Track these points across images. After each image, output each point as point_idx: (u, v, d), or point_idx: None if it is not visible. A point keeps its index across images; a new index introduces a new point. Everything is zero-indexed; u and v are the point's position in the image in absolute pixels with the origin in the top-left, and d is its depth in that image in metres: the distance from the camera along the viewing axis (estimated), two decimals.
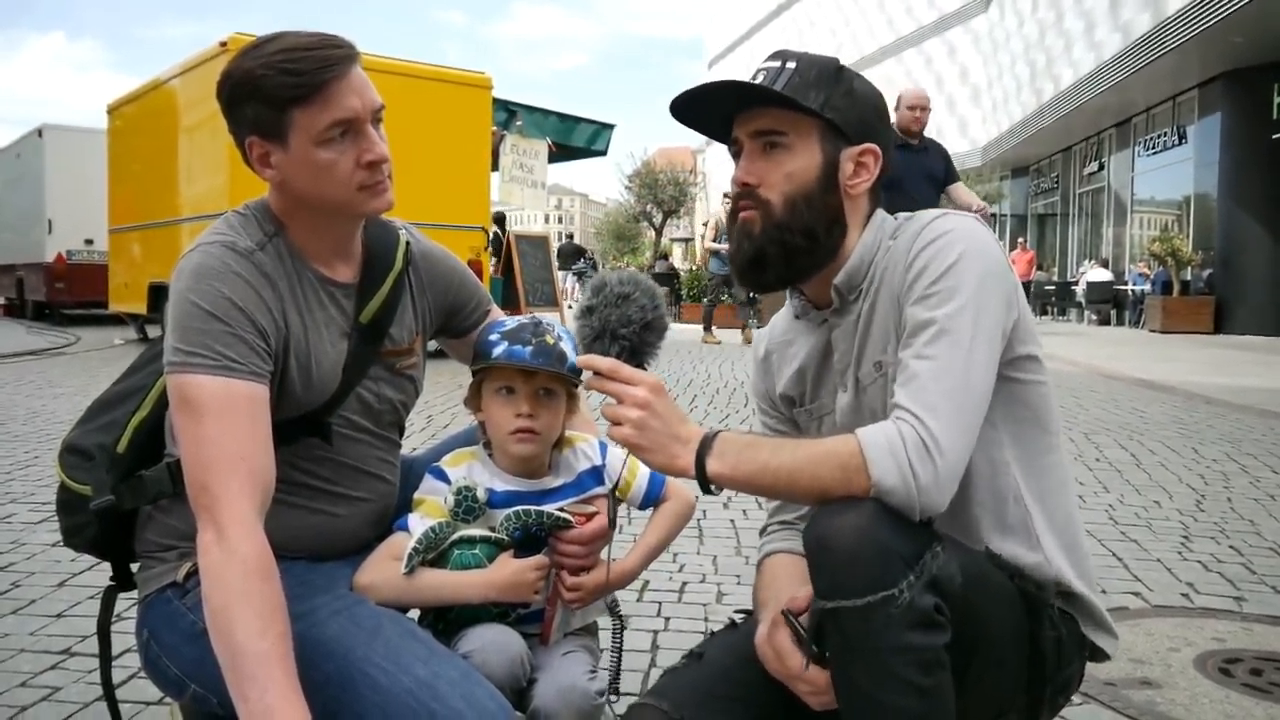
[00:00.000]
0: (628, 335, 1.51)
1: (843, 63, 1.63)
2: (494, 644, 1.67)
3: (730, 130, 1.62)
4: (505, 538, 1.73)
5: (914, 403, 1.40)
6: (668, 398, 1.46)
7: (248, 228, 1.65)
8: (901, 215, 1.62)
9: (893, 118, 6.95)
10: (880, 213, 1.63)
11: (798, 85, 1.55)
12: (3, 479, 4.85)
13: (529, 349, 1.73)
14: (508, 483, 1.79)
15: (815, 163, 1.56)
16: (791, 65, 1.57)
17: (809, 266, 1.61)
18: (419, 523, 1.73)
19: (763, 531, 1.84)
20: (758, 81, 1.56)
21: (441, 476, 1.80)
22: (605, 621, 1.96)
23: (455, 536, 1.72)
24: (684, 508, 1.93)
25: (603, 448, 1.88)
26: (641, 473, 1.87)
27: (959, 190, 7.64)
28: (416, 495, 1.80)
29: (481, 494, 1.75)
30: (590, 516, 1.78)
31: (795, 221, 1.56)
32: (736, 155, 1.62)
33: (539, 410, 1.76)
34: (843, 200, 1.58)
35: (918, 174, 7.08)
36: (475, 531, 1.73)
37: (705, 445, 1.43)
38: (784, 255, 1.58)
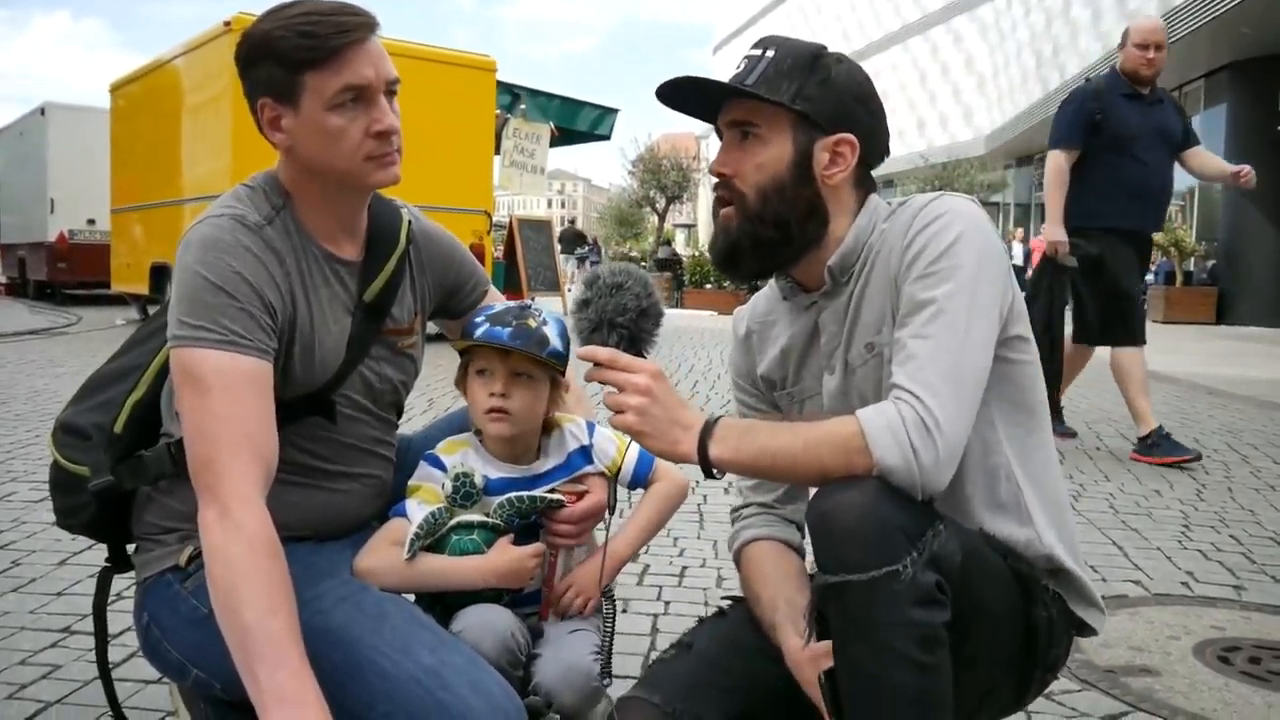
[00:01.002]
0: (625, 323, 1.51)
1: (831, 49, 1.62)
2: (484, 623, 1.68)
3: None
4: (501, 523, 1.74)
5: (913, 382, 1.40)
6: (668, 384, 1.46)
7: (256, 201, 1.64)
8: (895, 200, 1.62)
9: (1118, 59, 5.55)
10: (874, 197, 1.63)
11: (771, 76, 1.55)
12: (4, 457, 4.86)
13: (508, 330, 1.74)
14: (500, 470, 1.80)
15: (787, 153, 1.56)
16: (770, 54, 1.57)
17: (784, 259, 1.61)
18: (417, 509, 1.74)
19: (736, 513, 1.82)
20: (739, 70, 1.57)
21: (437, 464, 1.80)
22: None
23: (453, 522, 1.73)
24: (675, 489, 1.93)
25: (590, 427, 1.89)
26: (631, 452, 1.87)
27: (1203, 157, 5.68)
28: (412, 482, 1.80)
29: (479, 480, 1.76)
30: (581, 495, 1.79)
31: (767, 213, 1.56)
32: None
33: (512, 391, 1.76)
34: (819, 190, 1.57)
35: (1151, 132, 5.37)
36: (473, 517, 1.74)
37: (707, 430, 1.44)
38: (756, 248, 1.58)
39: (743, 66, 1.58)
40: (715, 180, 1.61)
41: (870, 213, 1.60)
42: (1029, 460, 1.60)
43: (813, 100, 1.55)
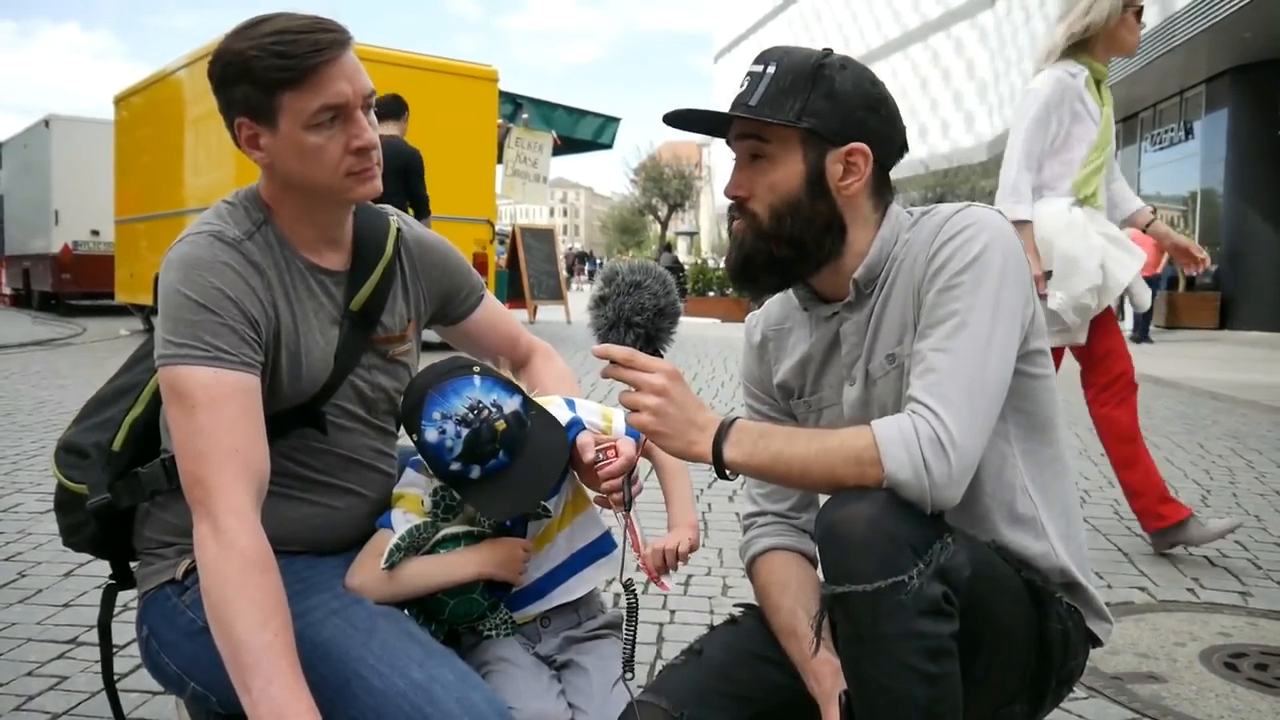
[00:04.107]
0: (642, 322, 1.51)
1: (834, 53, 1.59)
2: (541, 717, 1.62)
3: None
4: (488, 530, 1.72)
5: (930, 396, 1.39)
6: (685, 384, 1.46)
7: (235, 216, 1.64)
8: (917, 209, 1.60)
9: None
10: (894, 207, 1.61)
11: (774, 95, 1.52)
12: (9, 469, 4.86)
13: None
14: None
15: (798, 171, 1.54)
16: (771, 70, 1.54)
17: (801, 273, 1.60)
18: (402, 519, 1.71)
19: (749, 520, 1.80)
20: (741, 89, 1.56)
21: (421, 469, 1.76)
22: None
23: (439, 536, 1.70)
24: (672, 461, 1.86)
25: (570, 403, 1.82)
26: (618, 423, 1.79)
27: None
28: (396, 490, 1.77)
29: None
30: (612, 447, 1.72)
31: (781, 232, 1.54)
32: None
33: None
34: (836, 203, 1.55)
35: None
36: (458, 529, 1.71)
37: (722, 432, 1.44)
38: (771, 265, 1.57)
39: (745, 85, 1.56)
40: (730, 202, 1.60)
41: (893, 223, 1.59)
42: (1042, 475, 1.59)
43: (819, 115, 1.52)
